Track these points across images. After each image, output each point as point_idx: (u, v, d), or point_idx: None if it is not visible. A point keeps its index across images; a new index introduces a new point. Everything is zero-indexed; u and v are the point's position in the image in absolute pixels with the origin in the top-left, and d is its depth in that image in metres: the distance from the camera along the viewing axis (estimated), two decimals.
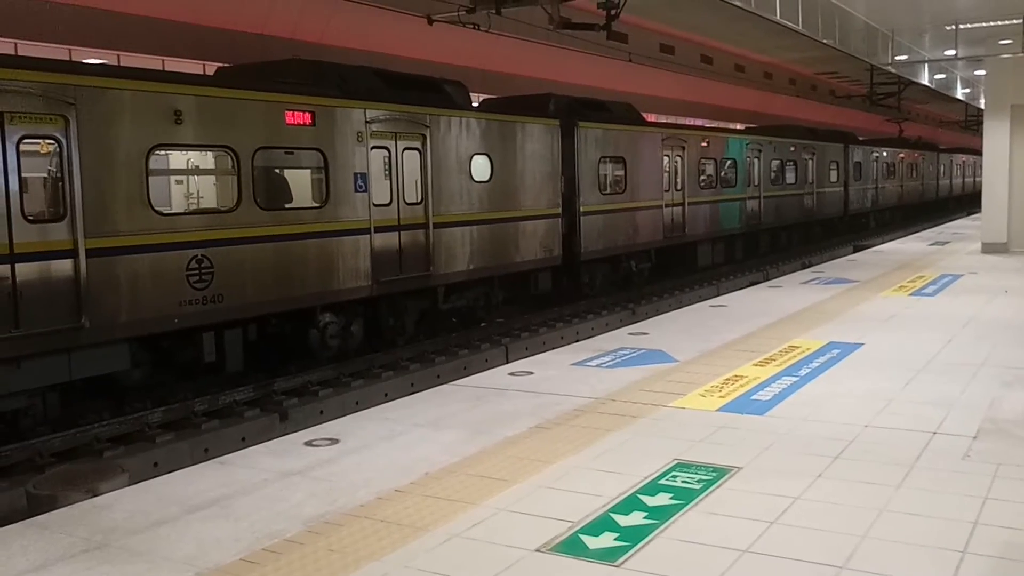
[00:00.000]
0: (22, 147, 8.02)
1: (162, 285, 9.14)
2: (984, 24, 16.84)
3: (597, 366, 8.11)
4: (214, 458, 5.90)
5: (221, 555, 4.17)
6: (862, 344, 8.73)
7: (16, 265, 7.90)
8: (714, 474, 5.08)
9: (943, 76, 27.46)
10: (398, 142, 12.07)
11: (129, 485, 5.45)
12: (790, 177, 25.49)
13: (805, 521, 4.40)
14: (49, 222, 8.32)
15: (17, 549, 4.33)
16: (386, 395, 10.89)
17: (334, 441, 5.98)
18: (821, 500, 4.67)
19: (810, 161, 26.67)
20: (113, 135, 8.76)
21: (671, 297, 18.22)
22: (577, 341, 10.78)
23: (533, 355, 9.35)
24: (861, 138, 33.75)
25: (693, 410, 6.50)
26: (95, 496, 5.21)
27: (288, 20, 15.65)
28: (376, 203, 11.67)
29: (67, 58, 14.39)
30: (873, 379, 7.28)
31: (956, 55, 19.18)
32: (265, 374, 10.98)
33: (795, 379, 7.35)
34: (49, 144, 8.35)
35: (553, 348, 10.06)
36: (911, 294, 12.25)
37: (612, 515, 4.52)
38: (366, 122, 11.50)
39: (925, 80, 25.53)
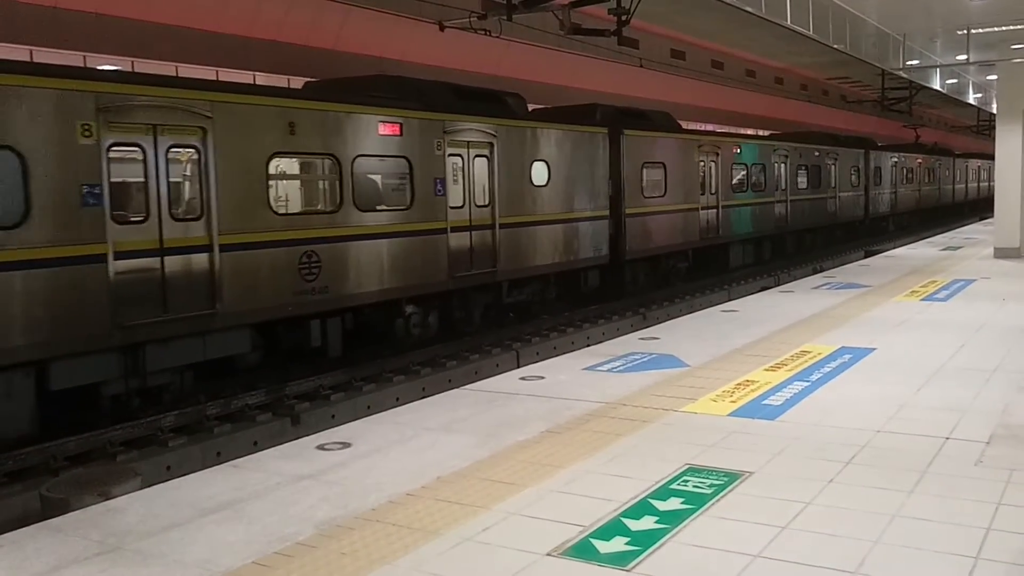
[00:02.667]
0: (170, 155, 9.26)
1: (279, 277, 10.36)
2: (996, 29, 16.79)
3: (608, 371, 8.11)
4: (226, 462, 5.92)
5: (233, 558, 4.19)
6: (874, 349, 8.70)
7: (165, 258, 9.14)
8: (725, 479, 5.07)
9: (955, 81, 27.37)
10: (470, 150, 13.25)
11: (142, 488, 5.48)
12: (815, 182, 26.42)
13: (817, 526, 4.39)
14: (190, 220, 9.48)
15: (31, 552, 4.35)
16: (397, 399, 10.91)
17: (346, 445, 5.99)
18: (833, 505, 4.66)
19: (833, 166, 27.62)
20: (241, 144, 9.93)
21: (682, 302, 18.20)
22: (588, 346, 10.78)
23: (544, 360, 9.35)
24: (879, 144, 34.29)
25: (704, 415, 6.49)
26: (108, 499, 5.24)
27: (303, 25, 15.73)
28: (452, 206, 12.87)
29: (82, 64, 14.51)
30: (885, 384, 7.25)
31: (968, 60, 19.11)
32: (277, 379, 11.01)
33: (806, 384, 7.33)
34: (191, 152, 9.53)
35: (564, 353, 10.07)
36: (923, 299, 12.20)
37: (623, 519, 4.52)
38: (444, 132, 12.71)
39: (937, 85, 25.46)
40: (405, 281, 12.09)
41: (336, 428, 6.61)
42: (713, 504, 4.70)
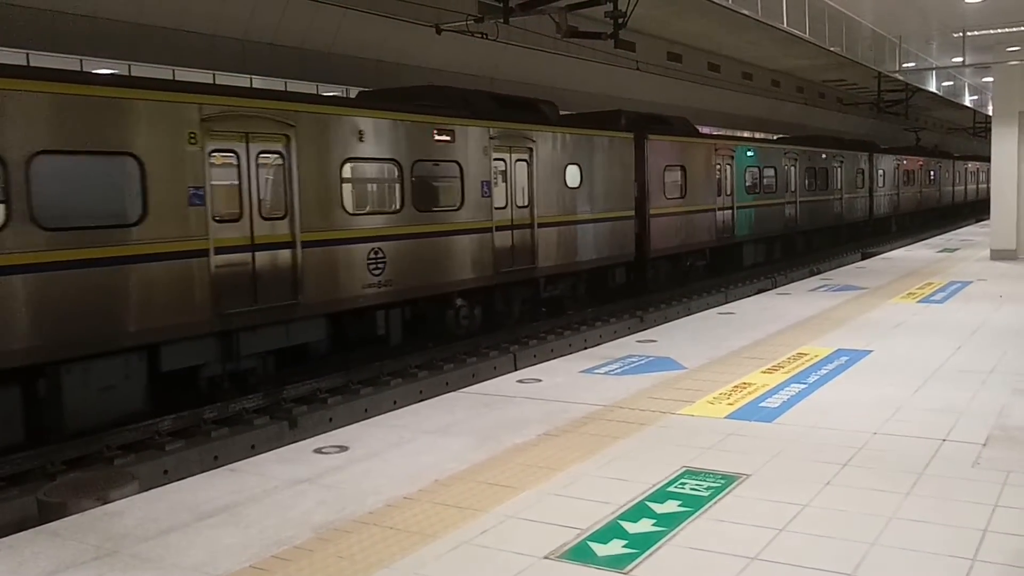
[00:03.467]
0: (259, 160, 10.18)
1: (350, 271, 11.32)
2: (991, 31, 16.82)
3: (605, 373, 8.12)
4: (224, 465, 5.92)
5: (231, 562, 4.19)
6: (871, 351, 8.71)
7: (255, 253, 10.05)
8: (722, 481, 5.08)
9: (951, 83, 27.42)
10: (512, 154, 14.24)
11: (139, 492, 5.48)
12: (822, 184, 27.34)
13: (814, 528, 4.40)
14: (276, 219, 10.37)
15: (28, 556, 4.35)
16: (395, 402, 10.90)
17: (343, 448, 6.00)
18: (830, 507, 4.67)
19: (839, 169, 28.55)
20: (319, 150, 10.87)
21: (679, 304, 18.21)
22: (585, 348, 10.79)
23: (541, 362, 9.35)
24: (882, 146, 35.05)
25: (701, 417, 6.49)
26: (106, 503, 5.24)
27: (298, 30, 15.74)
28: (496, 206, 13.86)
29: (79, 67, 14.52)
30: (882, 386, 7.26)
31: (964, 62, 19.15)
32: (274, 383, 11.01)
33: (803, 386, 7.34)
34: (276, 157, 10.40)
35: (561, 355, 10.07)
36: (920, 301, 12.21)
37: (620, 522, 4.52)
38: (490, 138, 13.68)
39: (933, 87, 25.51)
40: (456, 276, 13.15)
41: (333, 432, 6.61)
42: (710, 507, 4.70)
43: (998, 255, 17.81)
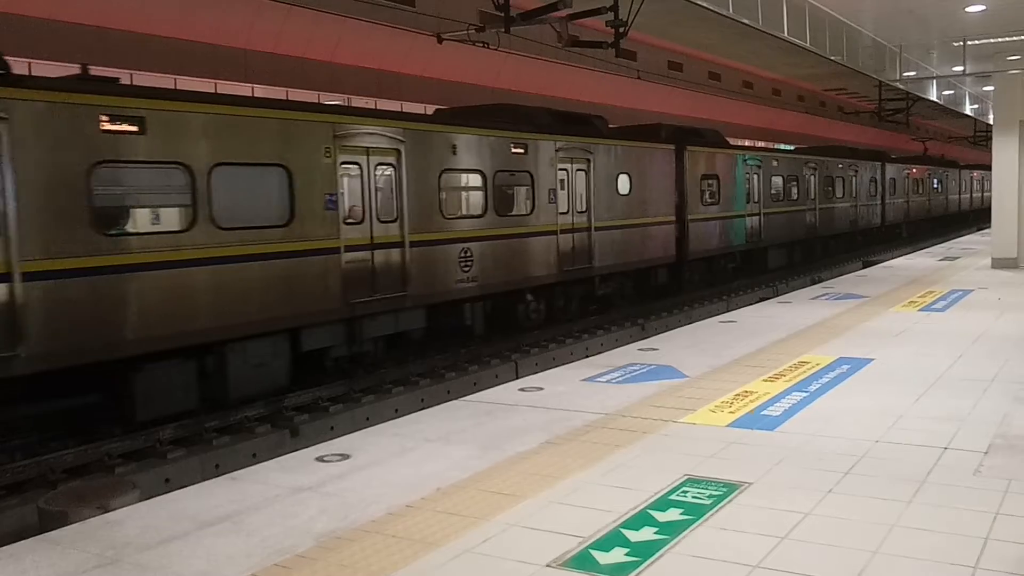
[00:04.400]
0: (376, 171, 11.80)
1: (446, 268, 12.90)
2: (992, 40, 16.85)
3: (607, 382, 8.11)
4: (225, 474, 5.91)
5: (233, 571, 4.19)
6: (872, 359, 8.71)
7: (374, 252, 11.67)
8: (724, 489, 5.08)
9: (951, 92, 27.45)
10: (573, 164, 15.80)
11: (140, 501, 5.47)
12: (839, 192, 28.91)
13: (816, 537, 4.39)
14: (389, 222, 11.94)
15: (29, 565, 4.35)
16: (396, 411, 10.91)
17: (345, 457, 5.99)
18: (832, 515, 4.66)
19: (854, 178, 30.13)
20: (422, 163, 12.43)
21: (680, 313, 18.21)
22: (587, 357, 10.78)
23: (543, 371, 9.34)
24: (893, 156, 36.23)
25: (703, 426, 6.49)
26: (106, 512, 5.23)
27: (299, 39, 15.78)
28: (560, 212, 15.44)
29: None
30: (883, 394, 7.26)
31: (964, 71, 19.16)
32: (274, 393, 11.02)
33: (805, 395, 7.34)
34: (389, 169, 11.97)
35: (563, 364, 10.06)
36: (921, 309, 12.21)
37: (623, 530, 4.52)
38: (556, 150, 15.27)
39: (933, 96, 25.52)
40: (529, 273, 14.75)
41: (335, 440, 6.60)
42: (712, 515, 4.70)
43: (999, 264, 17.81)
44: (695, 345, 9.95)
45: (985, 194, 48.57)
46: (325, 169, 10.94)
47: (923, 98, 26.57)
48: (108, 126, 8.73)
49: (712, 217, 20.61)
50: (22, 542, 4.72)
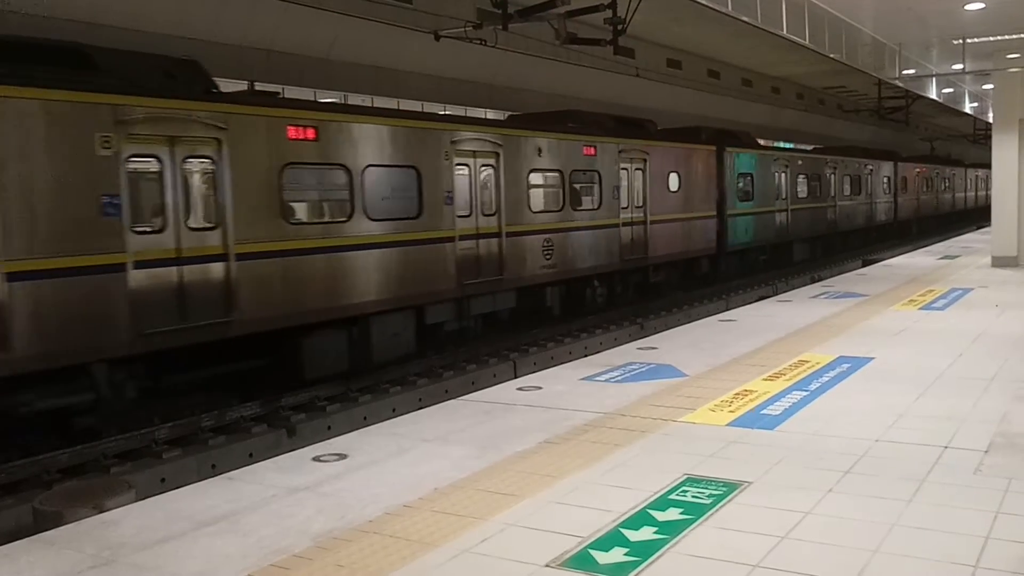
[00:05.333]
0: (480, 171, 13.61)
1: (532, 256, 14.68)
2: (991, 38, 16.82)
3: (606, 381, 8.09)
4: (221, 474, 5.89)
5: (229, 571, 4.16)
6: (872, 358, 8.69)
7: (479, 241, 13.46)
8: (724, 489, 5.05)
9: (951, 90, 27.43)
10: (632, 164, 17.52)
11: (136, 501, 5.44)
12: (856, 190, 30.49)
13: (816, 536, 4.37)
14: (490, 216, 13.76)
15: (24, 565, 4.32)
16: (394, 410, 10.88)
17: (342, 456, 5.96)
18: (832, 515, 4.64)
19: (870, 176, 31.84)
20: (515, 163, 14.27)
21: (680, 311, 18.19)
22: (585, 356, 10.74)
23: (541, 370, 9.32)
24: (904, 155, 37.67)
25: (703, 425, 6.46)
26: (102, 512, 5.20)
27: (295, 36, 15.75)
28: (622, 207, 17.19)
29: None
30: (883, 393, 7.24)
31: (964, 69, 19.14)
32: (272, 390, 10.99)
33: (805, 393, 7.31)
34: (490, 169, 13.80)
35: (561, 363, 10.04)
36: (921, 308, 12.19)
37: (622, 530, 4.49)
38: (619, 152, 17.02)
39: (933, 94, 25.50)
40: (596, 261, 16.49)
41: (332, 440, 6.57)
42: (712, 514, 4.67)
43: (999, 262, 17.78)
44: (694, 344, 9.93)
45: (989, 192, 49.00)
46: (444, 170, 12.83)
47: (922, 96, 26.55)
48: (293, 134, 10.61)
49: (747, 212, 22.37)
50: (17, 542, 4.69)
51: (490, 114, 20.41)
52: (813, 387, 7.53)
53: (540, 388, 7.88)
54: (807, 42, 15.38)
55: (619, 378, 8.18)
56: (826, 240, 28.41)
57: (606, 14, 14.16)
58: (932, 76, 23.15)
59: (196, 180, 9.73)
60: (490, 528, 4.59)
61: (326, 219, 11.48)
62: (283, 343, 10.60)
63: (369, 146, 11.65)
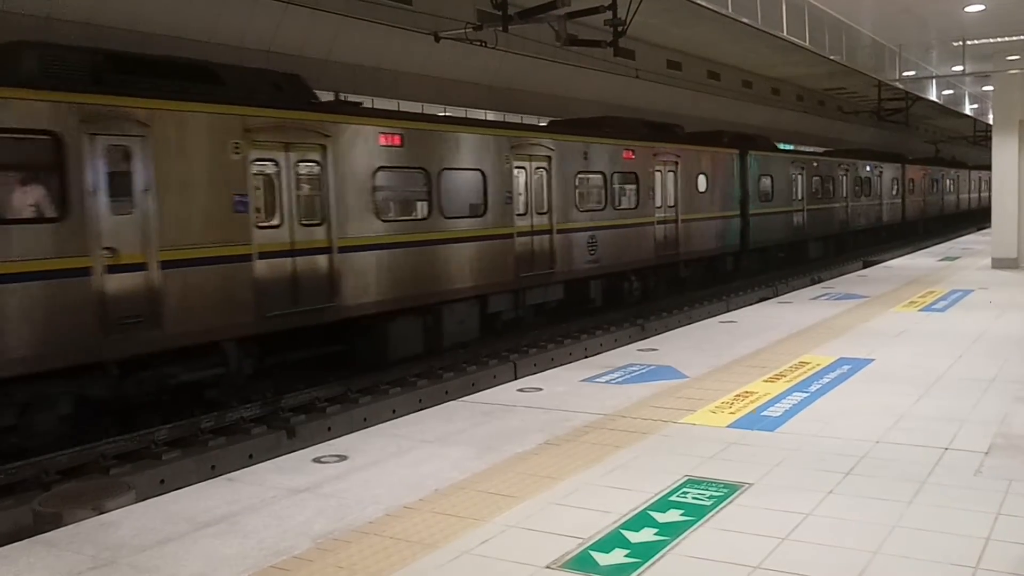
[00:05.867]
0: (534, 173, 15.05)
1: (578, 251, 16.00)
2: (991, 40, 16.83)
3: (606, 382, 8.08)
4: (222, 475, 5.88)
5: (229, 572, 4.15)
6: (872, 360, 8.68)
7: (533, 238, 14.88)
8: (725, 490, 5.05)
9: (951, 92, 27.43)
10: (665, 167, 18.79)
11: (136, 502, 5.43)
12: (866, 191, 31.85)
13: (816, 537, 4.36)
14: (542, 215, 15.11)
15: (24, 566, 4.31)
16: (394, 411, 10.87)
17: (342, 458, 5.96)
18: (832, 516, 4.63)
19: (879, 178, 33.18)
20: (565, 166, 15.66)
21: (680, 313, 18.19)
22: (586, 357, 10.74)
23: (542, 371, 9.31)
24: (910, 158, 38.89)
25: (703, 426, 6.46)
26: (101, 513, 5.19)
27: (295, 37, 15.76)
28: (656, 206, 18.30)
29: None
30: (884, 395, 7.23)
31: (964, 71, 19.14)
32: (272, 391, 10.98)
33: (805, 395, 7.31)
34: (543, 172, 15.20)
35: (562, 364, 10.04)
36: (921, 309, 12.19)
37: (622, 531, 4.49)
38: (653, 155, 18.30)
39: (933, 96, 25.50)
40: (633, 258, 17.73)
41: (332, 441, 6.57)
42: (713, 516, 4.67)
43: (999, 264, 17.78)
44: (695, 345, 9.93)
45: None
46: (505, 173, 14.14)
47: (922, 98, 26.55)
48: (385, 141, 11.91)
49: (768, 212, 23.69)
50: (16, 544, 4.69)
51: (490, 115, 20.45)
52: (814, 388, 7.53)
53: (540, 389, 7.88)
54: (807, 44, 15.38)
55: (619, 379, 8.18)
56: (839, 239, 29.65)
57: (606, 16, 14.15)
58: (932, 78, 23.15)
59: (306, 181, 11.03)
60: (490, 529, 4.58)
61: (410, 217, 12.85)
62: (371, 328, 11.97)
63: (444, 151, 13.01)
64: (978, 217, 46.12)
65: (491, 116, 20.38)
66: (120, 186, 8.89)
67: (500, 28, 13.87)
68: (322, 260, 10.92)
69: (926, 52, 19.61)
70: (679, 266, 19.75)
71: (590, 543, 4.36)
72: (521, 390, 7.90)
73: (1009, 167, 17.84)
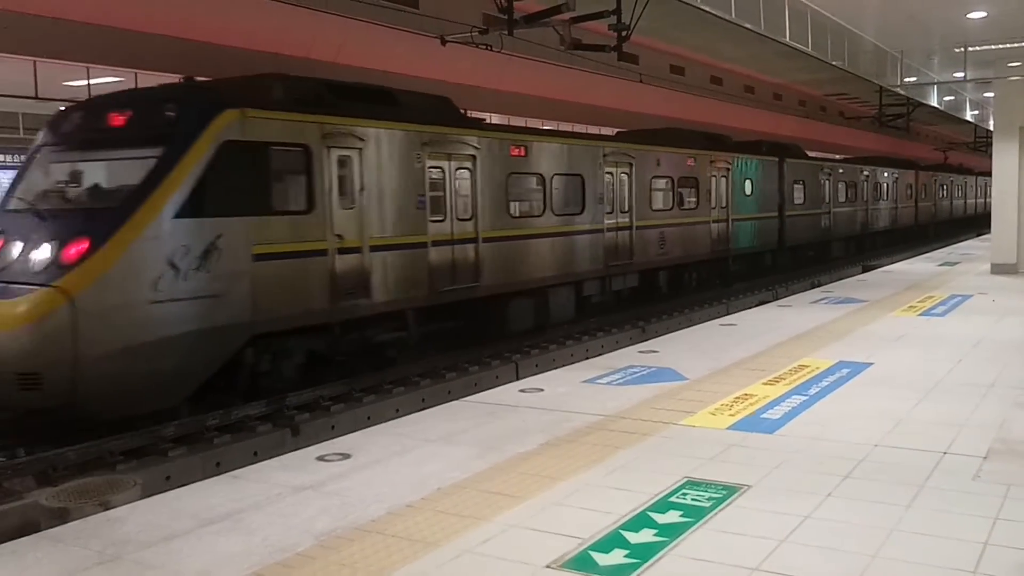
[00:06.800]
0: (619, 177, 17.21)
1: (651, 245, 18.29)
2: (993, 47, 16.88)
3: (607, 383, 8.13)
4: (226, 472, 5.93)
5: (233, 569, 4.20)
6: (872, 364, 8.73)
7: (617, 232, 17.03)
8: (724, 492, 5.09)
9: (952, 98, 27.47)
10: (718, 172, 21.05)
11: (142, 498, 5.49)
12: (883, 195, 34.12)
13: (815, 540, 4.41)
14: (624, 213, 17.29)
15: (31, 562, 4.36)
16: (397, 410, 10.90)
17: (346, 456, 6.01)
18: (831, 519, 4.68)
19: (895, 184, 35.38)
20: (642, 172, 17.90)
21: (680, 315, 18.20)
22: (587, 358, 10.77)
23: (543, 372, 9.36)
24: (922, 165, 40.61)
25: (703, 428, 6.51)
26: (108, 509, 5.25)
27: (303, 40, 15.81)
28: (712, 207, 20.73)
29: (85, 74, 14.64)
30: (883, 398, 7.28)
31: (965, 77, 19.22)
32: (276, 390, 11.02)
33: (805, 398, 7.36)
34: (625, 176, 17.37)
35: (563, 365, 10.08)
36: (921, 314, 12.24)
37: (622, 532, 4.54)
38: (710, 162, 20.57)
39: (934, 102, 25.54)
40: (694, 252, 20.09)
41: (336, 439, 6.62)
42: (712, 517, 4.72)
43: (999, 269, 17.83)
44: (695, 348, 9.97)
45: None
46: (598, 177, 16.44)
47: (924, 104, 26.59)
48: (514, 152, 14.36)
49: (801, 214, 26.09)
50: (24, 539, 4.75)
51: (495, 118, 20.59)
52: (813, 392, 7.58)
53: (542, 390, 7.92)
54: (810, 49, 15.43)
55: (620, 381, 8.22)
56: (859, 240, 31.87)
57: (611, 20, 14.20)
58: (934, 84, 23.22)
59: (461, 185, 13.30)
60: (492, 529, 4.63)
61: (530, 214, 14.99)
62: (498, 305, 14.21)
63: (554, 159, 15.39)
64: (984, 221, 46.47)
65: (496, 119, 20.40)
66: (345, 187, 11.20)
67: (505, 32, 13.90)
68: (471, 249, 13.41)
69: (928, 58, 19.67)
70: (729, 261, 22.04)
71: (590, 543, 4.40)
72: (523, 390, 7.95)
73: (1009, 173, 17.87)
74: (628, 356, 9.64)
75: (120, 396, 8.96)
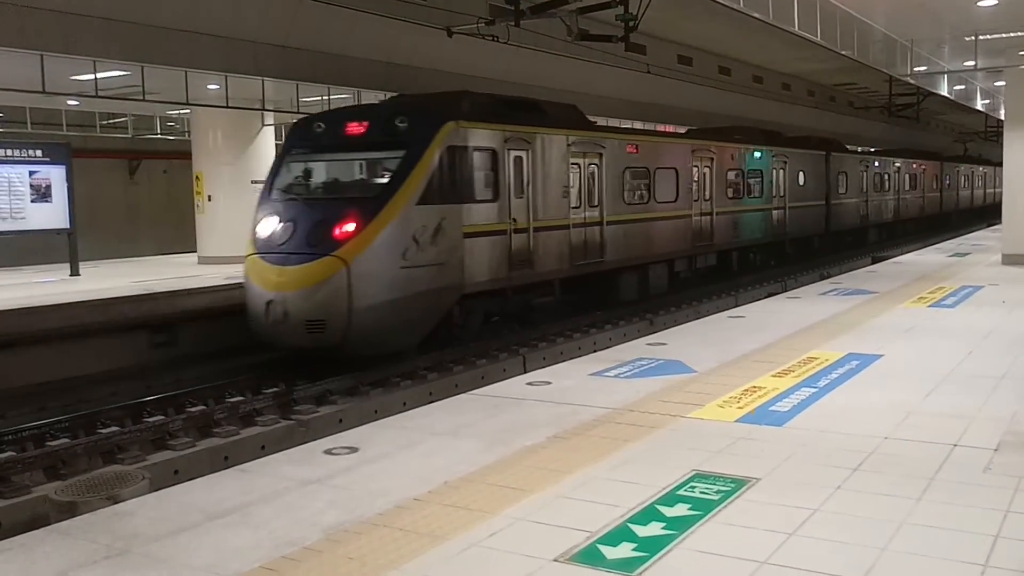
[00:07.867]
0: (703, 170, 19.67)
1: (727, 229, 20.89)
2: (1004, 35, 16.75)
3: (615, 376, 8.11)
4: (234, 466, 5.93)
5: (241, 563, 4.20)
6: (881, 355, 8.69)
7: (701, 217, 19.61)
8: (732, 485, 5.07)
9: (962, 87, 27.30)
10: (777, 165, 23.68)
11: (150, 492, 5.50)
12: (913, 185, 36.55)
13: (824, 533, 4.39)
14: (706, 200, 19.74)
15: (40, 555, 4.37)
16: (404, 404, 10.89)
17: (353, 450, 6.01)
18: (840, 512, 4.66)
19: (923, 174, 37.82)
20: (721, 165, 20.45)
21: (689, 307, 18.17)
22: (595, 351, 10.76)
23: (551, 365, 9.35)
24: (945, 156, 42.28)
25: (711, 421, 6.49)
26: (116, 503, 5.26)
27: (310, 32, 15.80)
28: (772, 195, 23.32)
29: (91, 67, 14.69)
30: (893, 391, 7.24)
31: (975, 66, 19.07)
32: (284, 382, 11.04)
33: (814, 390, 7.32)
34: (707, 170, 19.86)
35: (571, 358, 10.05)
36: (931, 305, 12.17)
37: (630, 525, 4.52)
38: (772, 156, 23.33)
39: (944, 91, 25.39)
40: (758, 235, 22.81)
41: (343, 433, 6.62)
42: (720, 510, 4.70)
43: (1010, 260, 17.71)
44: (703, 340, 9.94)
45: None
46: (688, 170, 18.97)
47: (934, 93, 26.44)
48: (629, 150, 16.99)
49: (843, 202, 28.70)
50: (32, 532, 4.75)
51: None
52: (822, 384, 7.54)
53: (549, 383, 7.91)
54: (819, 39, 15.34)
55: (628, 374, 8.20)
56: (890, 227, 34.42)
57: (618, 10, 14.14)
58: (944, 73, 23.07)
59: (591, 178, 15.73)
60: (499, 522, 4.62)
61: (639, 202, 17.35)
62: (613, 278, 16.79)
63: (657, 155, 17.96)
64: (996, 210, 46.60)
65: None
66: (518, 181, 13.72)
67: (512, 23, 13.86)
68: (596, 230, 15.86)
69: (938, 47, 19.53)
70: (785, 244, 24.63)
71: (598, 536, 4.39)
72: (530, 383, 7.94)
73: (1021, 162, 17.75)
74: (636, 349, 9.62)
75: (378, 338, 11.63)
